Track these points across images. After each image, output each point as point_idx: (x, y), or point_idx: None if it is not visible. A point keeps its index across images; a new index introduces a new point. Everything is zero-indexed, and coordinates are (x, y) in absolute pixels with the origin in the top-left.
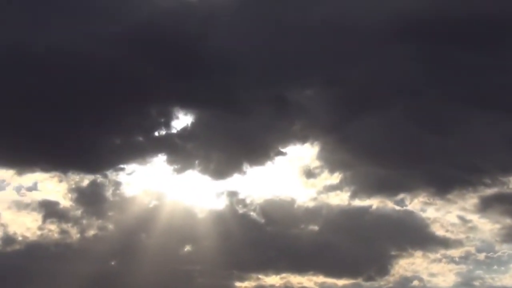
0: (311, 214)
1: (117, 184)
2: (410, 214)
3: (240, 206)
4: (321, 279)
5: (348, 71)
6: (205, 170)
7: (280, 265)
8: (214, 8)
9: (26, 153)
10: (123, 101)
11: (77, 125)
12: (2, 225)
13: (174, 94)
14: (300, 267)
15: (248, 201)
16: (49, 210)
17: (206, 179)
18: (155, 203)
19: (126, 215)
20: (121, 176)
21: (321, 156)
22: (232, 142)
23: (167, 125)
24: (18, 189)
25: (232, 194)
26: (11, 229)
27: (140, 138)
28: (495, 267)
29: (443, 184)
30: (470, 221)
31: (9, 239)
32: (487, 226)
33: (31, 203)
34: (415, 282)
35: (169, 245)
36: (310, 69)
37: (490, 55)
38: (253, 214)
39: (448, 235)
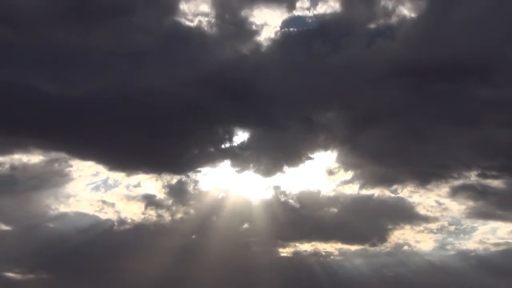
0: (332, 201)
1: (196, 182)
2: (402, 199)
3: (282, 196)
4: (339, 245)
5: (358, 99)
6: (257, 171)
7: (311, 236)
8: (261, 57)
9: (133, 161)
10: (200, 123)
11: (168, 141)
12: (117, 211)
13: (235, 118)
14: (325, 238)
15: (287, 192)
16: (149, 200)
17: (258, 177)
18: (223, 195)
19: (202, 204)
20: (198, 176)
21: (338, 159)
22: (276, 150)
23: (230, 140)
24: (127, 187)
25: (276, 188)
26: (123, 215)
27: (212, 149)
28: (461, 235)
29: (424, 178)
30: (443, 203)
31: (122, 221)
32: (455, 207)
33: (137, 196)
34: (405, 247)
35: (232, 224)
36: (330, 98)
37: (455, 87)
38: (291, 201)
39: (428, 213)
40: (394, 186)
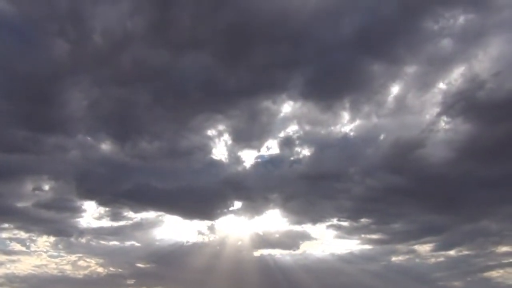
0: (276, 231)
1: (219, 224)
2: (306, 230)
3: (255, 229)
4: (279, 251)
5: (286, 189)
6: (245, 218)
7: (267, 247)
8: (247, 172)
9: (193, 215)
10: (220, 200)
11: (207, 207)
12: (185, 237)
13: (235, 197)
14: (274, 247)
15: (257, 228)
16: (199, 232)
17: (246, 221)
18: (230, 229)
19: (221, 233)
20: (220, 222)
21: (280, 213)
22: (252, 210)
23: (233, 206)
24: (190, 226)
25: (253, 226)
26: (188, 239)
27: (225, 210)
28: (331, 246)
29: (314, 221)
30: (323, 232)
31: (187, 241)
32: (329, 234)
33: (194, 230)
34: (307, 251)
35: (234, 241)
36: (274, 189)
37: (326, 183)
38: (259, 232)
39: (316, 236)
40: (302, 224)
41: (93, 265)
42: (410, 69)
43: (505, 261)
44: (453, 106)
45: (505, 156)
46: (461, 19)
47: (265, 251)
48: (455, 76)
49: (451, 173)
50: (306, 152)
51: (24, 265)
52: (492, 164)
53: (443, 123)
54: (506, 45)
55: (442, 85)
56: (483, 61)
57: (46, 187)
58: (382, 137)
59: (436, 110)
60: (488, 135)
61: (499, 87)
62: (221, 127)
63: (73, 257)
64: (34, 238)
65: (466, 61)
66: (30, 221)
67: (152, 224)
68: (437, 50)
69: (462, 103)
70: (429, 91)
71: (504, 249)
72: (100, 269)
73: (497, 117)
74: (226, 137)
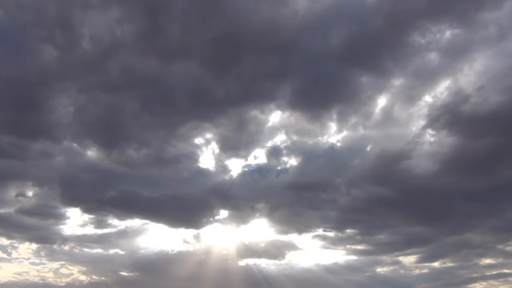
0: (262, 240)
1: (204, 233)
2: (292, 240)
3: (241, 239)
4: (265, 260)
5: (272, 199)
6: (232, 227)
7: (252, 256)
8: (233, 181)
9: (179, 224)
10: (206, 209)
11: (194, 216)
12: (170, 245)
13: (222, 206)
14: (259, 256)
15: (243, 238)
16: (185, 240)
17: (233, 229)
18: (216, 238)
19: (207, 242)
20: (205, 230)
21: (266, 223)
22: (238, 219)
23: (219, 215)
24: (175, 235)
25: (239, 235)
26: (173, 247)
27: (211, 219)
28: (316, 256)
29: (301, 231)
30: (309, 242)
31: (172, 250)
32: (315, 244)
33: (179, 239)
34: (293, 261)
35: (220, 250)
36: (260, 199)
37: (312, 194)
38: (245, 242)
39: (302, 246)
40: (288, 234)
41: (75, 273)
42: (397, 82)
43: (488, 273)
44: (438, 119)
45: (489, 169)
46: (448, 33)
47: (251, 261)
48: (441, 90)
49: (435, 185)
50: (293, 162)
51: (5, 272)
52: (476, 176)
53: (429, 136)
54: (491, 60)
55: (428, 98)
56: (468, 75)
57: (30, 193)
58: (368, 148)
59: (422, 122)
60: (472, 148)
61: (483, 101)
62: (208, 135)
63: (56, 265)
64: (16, 245)
65: (452, 75)
66: (12, 228)
67: (137, 232)
68: (424, 63)
69: (447, 116)
70: (415, 104)
71: (487, 261)
72: (82, 277)
73: (481, 130)
74: (214, 145)
